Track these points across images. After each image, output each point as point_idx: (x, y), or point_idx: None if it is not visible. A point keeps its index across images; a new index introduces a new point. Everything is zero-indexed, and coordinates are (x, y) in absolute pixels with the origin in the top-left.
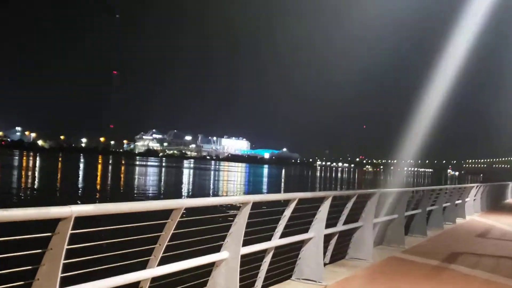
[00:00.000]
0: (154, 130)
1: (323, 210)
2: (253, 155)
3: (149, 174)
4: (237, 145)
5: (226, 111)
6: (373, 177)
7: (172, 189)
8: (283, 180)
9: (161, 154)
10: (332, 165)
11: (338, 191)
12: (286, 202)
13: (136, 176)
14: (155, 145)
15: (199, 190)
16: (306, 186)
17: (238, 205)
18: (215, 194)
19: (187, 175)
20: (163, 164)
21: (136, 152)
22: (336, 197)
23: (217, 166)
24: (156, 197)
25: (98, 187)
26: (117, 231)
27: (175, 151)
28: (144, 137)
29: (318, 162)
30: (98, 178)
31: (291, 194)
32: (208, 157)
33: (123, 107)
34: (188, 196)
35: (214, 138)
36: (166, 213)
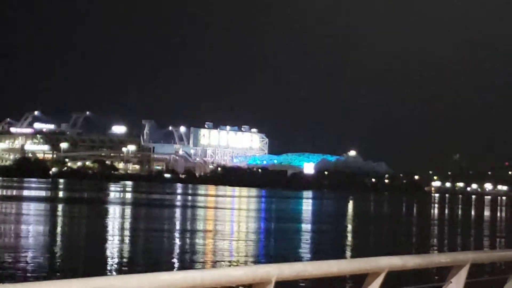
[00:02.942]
0: (37, 113)
1: None
2: (277, 167)
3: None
4: (239, 142)
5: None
6: None
7: None
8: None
9: (55, 169)
10: (469, 188)
11: None
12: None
13: None
14: (39, 148)
15: None
16: None
17: None
18: None
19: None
20: (57, 198)
21: None
22: None
23: (185, 201)
24: None
25: None
26: None
27: (87, 161)
28: (13, 129)
29: (435, 183)
30: None
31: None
32: (165, 175)
33: None
34: None
35: (182, 128)
36: None
